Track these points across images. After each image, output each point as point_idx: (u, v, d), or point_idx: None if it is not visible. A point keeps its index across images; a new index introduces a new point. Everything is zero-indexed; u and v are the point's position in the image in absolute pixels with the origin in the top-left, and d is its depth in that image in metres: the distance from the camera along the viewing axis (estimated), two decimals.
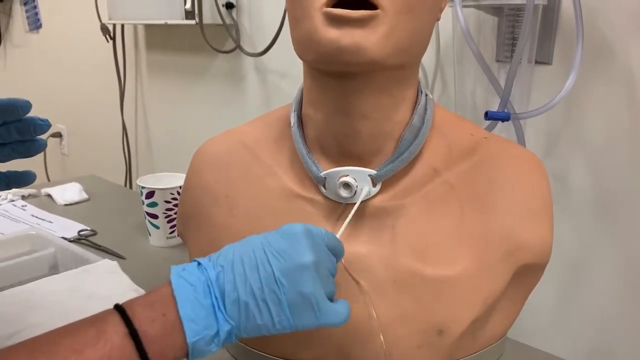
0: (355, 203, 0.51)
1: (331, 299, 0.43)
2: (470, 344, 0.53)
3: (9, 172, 0.56)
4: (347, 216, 0.52)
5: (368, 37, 0.44)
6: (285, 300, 0.40)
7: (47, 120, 0.54)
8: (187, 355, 0.39)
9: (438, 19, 0.52)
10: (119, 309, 0.39)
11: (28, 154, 0.55)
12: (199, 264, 0.42)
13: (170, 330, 0.39)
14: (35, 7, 1.84)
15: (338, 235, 0.47)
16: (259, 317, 0.40)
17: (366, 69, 0.47)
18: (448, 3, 0.70)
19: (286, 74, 1.12)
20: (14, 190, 1.12)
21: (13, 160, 0.55)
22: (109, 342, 0.37)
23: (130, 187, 1.53)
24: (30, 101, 0.53)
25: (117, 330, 0.38)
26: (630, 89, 0.71)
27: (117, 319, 0.38)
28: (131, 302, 0.40)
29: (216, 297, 0.40)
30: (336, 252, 0.45)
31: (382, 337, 0.49)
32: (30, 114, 0.54)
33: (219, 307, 0.40)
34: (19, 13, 1.92)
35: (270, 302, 0.40)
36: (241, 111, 1.23)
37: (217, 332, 0.39)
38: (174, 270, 0.41)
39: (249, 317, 0.40)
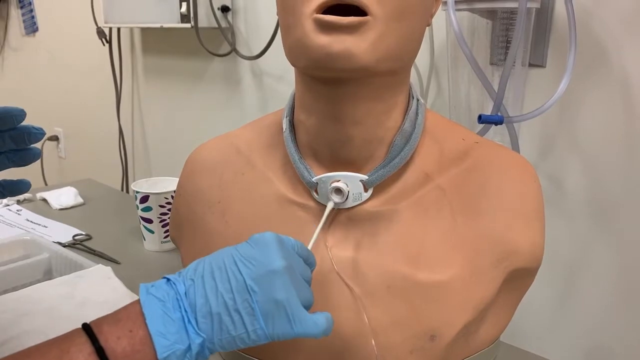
0: (344, 208, 0.51)
1: (307, 307, 0.42)
2: (462, 348, 0.53)
3: (4, 180, 0.56)
4: (338, 221, 0.52)
5: (358, 44, 0.44)
6: (258, 309, 0.39)
7: (41, 129, 0.55)
8: None
9: (429, 24, 0.52)
10: (85, 327, 0.39)
11: (22, 162, 0.55)
12: (168, 280, 0.41)
13: (139, 347, 0.38)
14: (31, 10, 1.84)
15: (310, 244, 0.47)
16: (232, 328, 0.39)
17: (357, 75, 0.47)
18: (441, 6, 0.70)
19: (282, 77, 1.12)
20: None
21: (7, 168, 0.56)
22: None
23: (127, 190, 1.52)
24: (27, 105, 0.54)
25: (81, 348, 0.37)
26: (623, 91, 0.71)
27: (82, 338, 0.38)
28: (98, 320, 0.40)
29: (186, 311, 0.39)
30: (308, 262, 0.45)
31: (373, 342, 0.49)
32: (27, 118, 0.54)
33: (189, 321, 0.39)
34: (15, 16, 1.92)
35: (243, 311, 0.39)
36: (237, 114, 1.23)
37: (189, 346, 0.39)
38: (142, 288, 0.41)
39: (222, 329, 0.39)
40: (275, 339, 0.40)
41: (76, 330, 0.39)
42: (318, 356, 0.51)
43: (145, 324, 0.38)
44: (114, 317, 0.40)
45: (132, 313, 0.39)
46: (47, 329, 0.41)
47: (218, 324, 0.39)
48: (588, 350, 0.79)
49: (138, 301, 0.40)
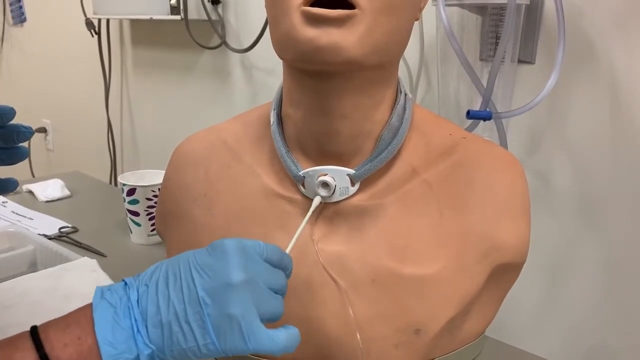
0: (331, 202, 0.51)
1: (273, 319, 0.40)
2: (448, 342, 0.53)
3: None
4: (325, 215, 0.52)
5: (346, 37, 0.44)
6: (209, 322, 0.37)
7: (30, 128, 0.54)
8: None
9: (417, 19, 0.52)
10: (32, 332, 0.37)
11: (10, 161, 0.55)
12: (126, 283, 0.39)
13: (86, 355, 0.36)
14: (19, 0, 1.81)
15: (291, 244, 0.45)
16: (182, 341, 0.37)
17: (345, 69, 0.46)
18: (431, 1, 0.70)
19: (272, 70, 1.11)
20: None
21: None
22: None
23: (115, 183, 1.51)
24: (14, 96, 0.54)
25: (25, 355, 0.35)
26: (611, 88, 0.71)
27: (28, 344, 0.36)
28: (46, 324, 0.38)
29: (135, 319, 0.37)
30: (283, 265, 0.42)
31: (359, 336, 0.49)
32: (15, 111, 0.54)
33: (138, 330, 0.37)
34: (2, 6, 1.90)
35: (194, 323, 0.37)
36: (227, 107, 1.22)
37: (137, 357, 0.37)
38: (97, 291, 0.39)
39: (172, 340, 0.37)
40: (229, 354, 0.38)
41: (22, 334, 0.37)
42: (304, 349, 0.51)
43: (94, 331, 0.36)
44: (63, 322, 0.38)
45: (82, 318, 0.37)
46: (30, 322, 0.40)
47: (169, 334, 0.37)
48: (574, 345, 0.80)
49: (90, 305, 0.38)
